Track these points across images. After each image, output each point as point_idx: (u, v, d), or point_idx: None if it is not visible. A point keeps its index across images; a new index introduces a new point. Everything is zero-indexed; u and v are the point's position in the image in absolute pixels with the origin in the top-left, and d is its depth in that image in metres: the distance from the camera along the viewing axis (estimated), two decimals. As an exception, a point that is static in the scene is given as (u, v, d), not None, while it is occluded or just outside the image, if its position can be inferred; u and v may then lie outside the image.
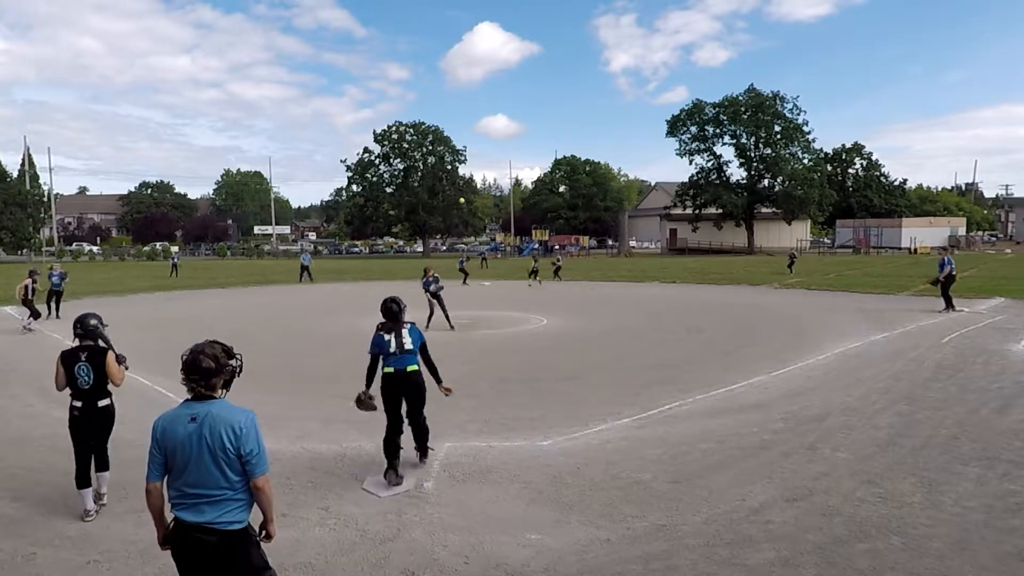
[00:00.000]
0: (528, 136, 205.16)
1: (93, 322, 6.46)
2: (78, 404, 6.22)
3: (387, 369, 7.03)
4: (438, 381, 7.36)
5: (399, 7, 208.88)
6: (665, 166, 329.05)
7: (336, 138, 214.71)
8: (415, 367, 7.14)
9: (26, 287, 18.98)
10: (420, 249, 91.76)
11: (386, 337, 7.07)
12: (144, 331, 18.79)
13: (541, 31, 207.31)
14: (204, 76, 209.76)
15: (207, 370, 3.58)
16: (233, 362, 3.72)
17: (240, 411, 3.55)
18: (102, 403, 6.30)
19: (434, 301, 19.01)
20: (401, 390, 7.06)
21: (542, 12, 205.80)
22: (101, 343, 6.59)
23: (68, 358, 6.24)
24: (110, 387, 6.40)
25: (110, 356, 6.39)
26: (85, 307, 25.29)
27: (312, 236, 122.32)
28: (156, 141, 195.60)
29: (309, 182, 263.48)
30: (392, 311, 7.21)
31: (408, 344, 7.08)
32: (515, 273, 41.14)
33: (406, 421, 7.20)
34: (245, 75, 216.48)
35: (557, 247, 71.60)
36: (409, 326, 7.23)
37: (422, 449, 7.53)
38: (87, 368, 6.20)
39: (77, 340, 6.41)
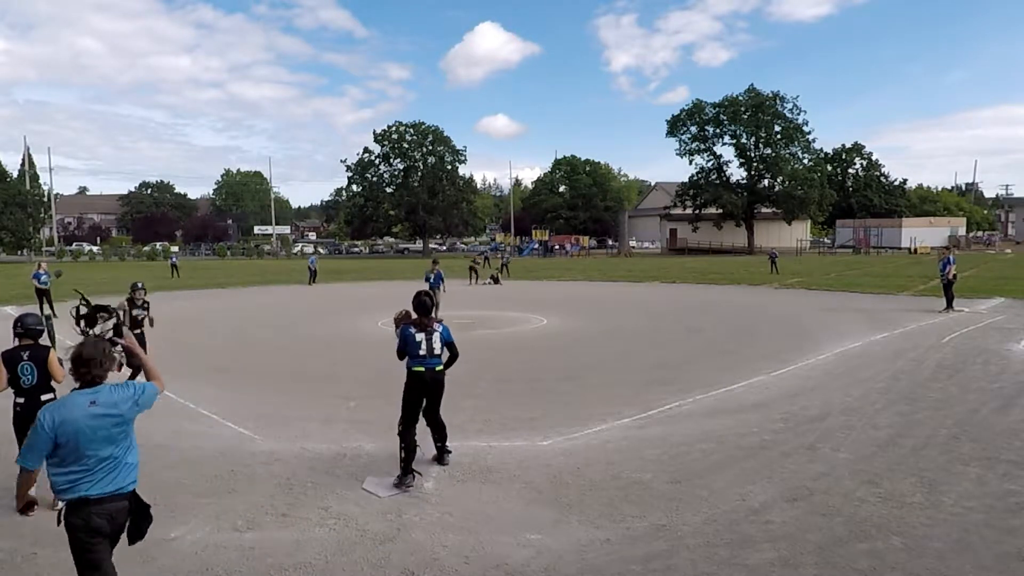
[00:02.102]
0: (528, 136, 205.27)
1: (32, 321, 6.46)
2: (21, 400, 6.28)
3: (416, 368, 7.02)
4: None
5: (400, 7, 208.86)
6: (665, 166, 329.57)
7: (336, 138, 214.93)
8: (442, 366, 7.18)
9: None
10: (420, 249, 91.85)
11: (417, 338, 7.02)
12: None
13: (541, 31, 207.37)
14: (205, 76, 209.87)
15: (96, 361, 3.89)
16: (112, 320, 4.36)
17: (128, 384, 4.05)
18: (45, 397, 6.30)
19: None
20: (428, 389, 7.09)
21: (542, 12, 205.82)
22: (43, 341, 6.66)
23: (10, 358, 6.28)
24: (53, 383, 6.42)
25: (52, 354, 6.43)
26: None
27: (312, 236, 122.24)
28: (156, 141, 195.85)
29: (309, 182, 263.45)
30: (426, 305, 7.18)
31: (438, 349, 7.06)
32: (514, 272, 41.15)
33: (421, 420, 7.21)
34: (245, 75, 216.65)
35: (499, 248, 71.04)
36: (441, 327, 7.21)
37: (443, 448, 7.49)
38: (31, 367, 6.25)
39: (17, 339, 6.41)
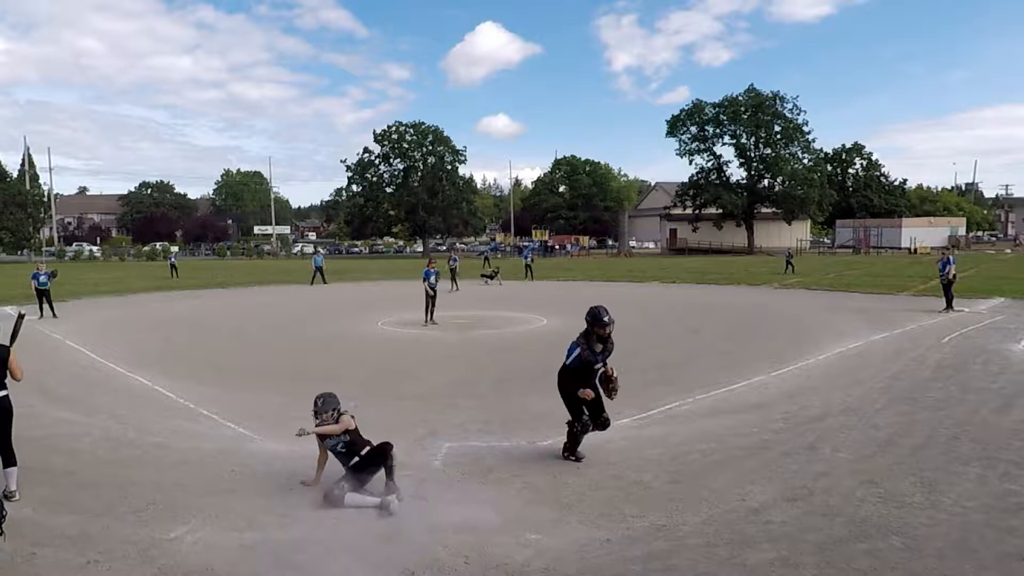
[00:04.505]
0: (528, 136, 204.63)
1: None
2: None
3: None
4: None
5: (400, 7, 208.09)
6: (665, 166, 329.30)
7: (336, 138, 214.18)
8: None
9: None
10: (420, 249, 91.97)
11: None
12: (145, 332, 18.82)
13: (542, 31, 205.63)
14: (205, 76, 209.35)
15: None
16: None
17: None
18: (1, 393, 6.48)
19: (431, 293, 19.85)
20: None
21: (543, 12, 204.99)
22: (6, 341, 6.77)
23: None
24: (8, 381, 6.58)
25: (13, 354, 6.60)
26: (84, 307, 25.25)
27: (312, 236, 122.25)
28: (157, 141, 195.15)
29: (309, 182, 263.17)
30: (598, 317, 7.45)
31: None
32: (516, 273, 41.24)
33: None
34: (246, 75, 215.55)
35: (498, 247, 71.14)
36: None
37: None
38: None
39: None
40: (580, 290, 32.61)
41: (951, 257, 21.83)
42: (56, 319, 20.75)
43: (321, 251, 49.05)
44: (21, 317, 7.21)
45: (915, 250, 70.75)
